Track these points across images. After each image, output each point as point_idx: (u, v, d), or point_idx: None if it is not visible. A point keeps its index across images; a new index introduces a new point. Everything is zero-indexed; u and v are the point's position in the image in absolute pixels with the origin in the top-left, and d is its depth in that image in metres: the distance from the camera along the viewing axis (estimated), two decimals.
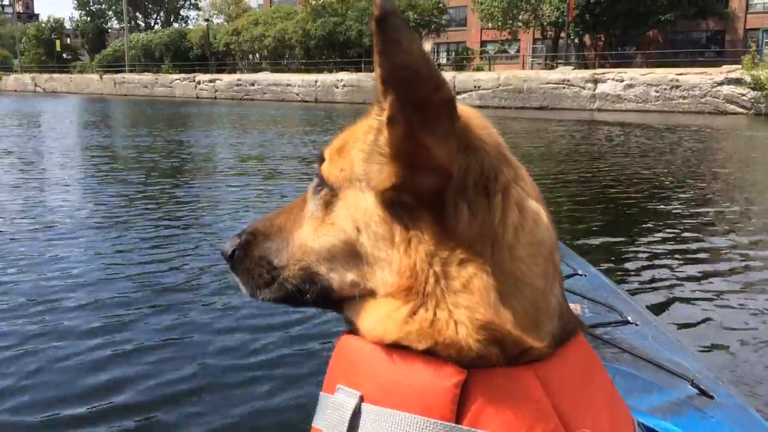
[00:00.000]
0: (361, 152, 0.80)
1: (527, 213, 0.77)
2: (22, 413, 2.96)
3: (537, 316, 0.74)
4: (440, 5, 52.35)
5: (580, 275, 2.63)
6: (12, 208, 7.33)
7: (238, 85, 49.21)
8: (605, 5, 41.15)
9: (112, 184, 9.33)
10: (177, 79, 54.36)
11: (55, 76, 68.80)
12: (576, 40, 47.51)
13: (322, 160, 0.89)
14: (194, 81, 52.67)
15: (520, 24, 46.70)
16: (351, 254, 0.81)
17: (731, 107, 28.74)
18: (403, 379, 0.73)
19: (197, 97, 50.77)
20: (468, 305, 0.72)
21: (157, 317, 4.14)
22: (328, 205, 0.84)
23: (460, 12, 57.31)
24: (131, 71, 63.78)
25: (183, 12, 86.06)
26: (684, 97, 30.06)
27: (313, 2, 55.76)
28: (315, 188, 0.89)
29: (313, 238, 0.86)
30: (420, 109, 0.67)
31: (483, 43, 54.75)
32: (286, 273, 0.88)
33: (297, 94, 44.92)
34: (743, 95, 28.44)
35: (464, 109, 0.76)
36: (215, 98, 49.35)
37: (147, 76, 58.21)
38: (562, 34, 45.40)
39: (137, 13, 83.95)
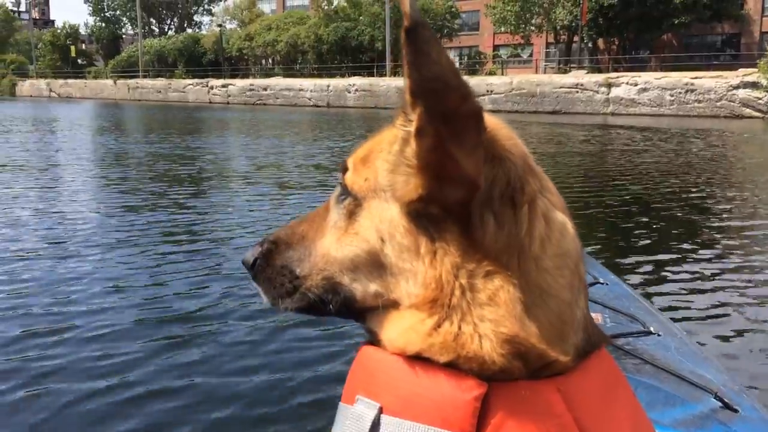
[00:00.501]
0: (386, 162, 0.80)
1: (554, 224, 0.76)
2: None
3: (562, 329, 0.74)
4: (453, 9, 52.32)
5: (602, 284, 2.58)
6: (22, 221, 7.11)
7: (250, 90, 49.37)
8: (619, 9, 40.92)
9: (125, 194, 9.20)
10: (190, 84, 54.66)
11: (70, 81, 69.44)
12: (589, 44, 47.25)
13: (345, 169, 0.88)
14: (207, 86, 52.92)
15: (533, 28, 46.53)
16: (375, 265, 0.81)
17: (747, 111, 28.43)
18: (423, 391, 0.72)
19: (210, 102, 51.01)
20: (494, 318, 0.71)
21: (171, 347, 3.85)
22: (351, 214, 0.84)
23: (473, 16, 57.20)
24: (145, 76, 64.22)
25: (196, 18, 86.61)
26: (699, 101, 29.78)
27: (326, 7, 55.87)
28: (338, 197, 0.87)
29: (336, 247, 0.85)
30: (448, 121, 0.67)
31: (496, 48, 54.63)
32: (308, 283, 0.87)
33: (309, 99, 44.98)
34: (759, 99, 28.11)
35: (490, 119, 0.75)
36: (228, 103, 49.56)
37: (160, 82, 58.56)
38: (576, 38, 45.19)
39: (151, 19, 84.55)
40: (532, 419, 0.70)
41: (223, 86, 51.66)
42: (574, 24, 43.42)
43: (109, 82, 64.29)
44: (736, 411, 1.59)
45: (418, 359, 0.74)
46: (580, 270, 0.78)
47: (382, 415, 0.74)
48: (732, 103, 28.95)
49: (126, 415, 3.07)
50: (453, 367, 0.72)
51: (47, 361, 3.60)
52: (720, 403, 1.61)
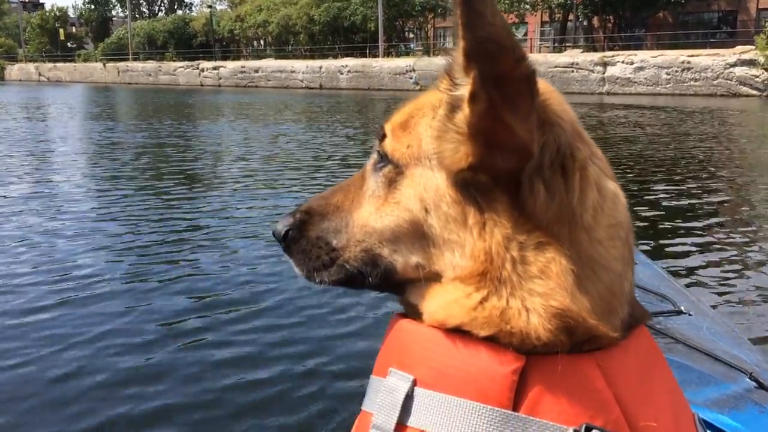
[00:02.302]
0: (430, 128, 0.77)
1: (606, 193, 0.74)
2: None
3: (612, 302, 0.72)
4: None
5: None
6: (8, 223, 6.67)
7: (242, 72, 48.78)
8: None
9: (120, 188, 8.71)
10: (180, 67, 54.02)
11: (59, 65, 68.67)
12: (584, 23, 46.70)
13: (383, 136, 0.84)
14: (198, 69, 52.31)
15: (527, 6, 45.95)
16: (417, 235, 0.78)
17: (744, 89, 28.10)
18: (459, 364, 0.71)
19: (201, 85, 50.45)
20: (544, 292, 0.69)
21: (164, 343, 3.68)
22: (392, 183, 0.81)
23: None
24: (135, 59, 63.46)
25: None
26: (696, 80, 29.44)
27: None
28: (376, 165, 0.84)
29: (375, 218, 0.82)
30: (502, 85, 0.65)
31: None
32: (346, 254, 0.84)
33: (301, 81, 44.45)
34: (756, 77, 27.77)
35: (541, 83, 0.72)
36: (219, 86, 49.01)
37: (150, 64, 57.92)
38: (571, 17, 44.65)
39: (141, 0, 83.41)
40: (570, 394, 0.68)
41: (214, 69, 51.05)
42: (568, 2, 42.86)
43: (99, 65, 63.54)
44: None
45: (455, 332, 0.72)
46: (630, 241, 0.76)
47: (416, 388, 0.72)
48: (729, 81, 28.62)
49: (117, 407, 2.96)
50: (492, 341, 0.70)
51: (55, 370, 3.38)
52: (755, 384, 1.57)
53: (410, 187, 0.78)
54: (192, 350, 3.55)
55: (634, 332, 0.76)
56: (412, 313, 0.80)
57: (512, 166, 0.69)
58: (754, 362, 1.75)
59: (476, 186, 0.72)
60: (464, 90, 0.68)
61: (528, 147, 0.68)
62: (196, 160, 10.89)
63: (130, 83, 56.25)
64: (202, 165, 10.48)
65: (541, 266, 0.69)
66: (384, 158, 0.82)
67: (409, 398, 0.72)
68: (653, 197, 7.83)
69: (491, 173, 0.71)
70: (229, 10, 69.02)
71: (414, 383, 0.72)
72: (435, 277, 0.77)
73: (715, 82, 28.96)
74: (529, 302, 0.69)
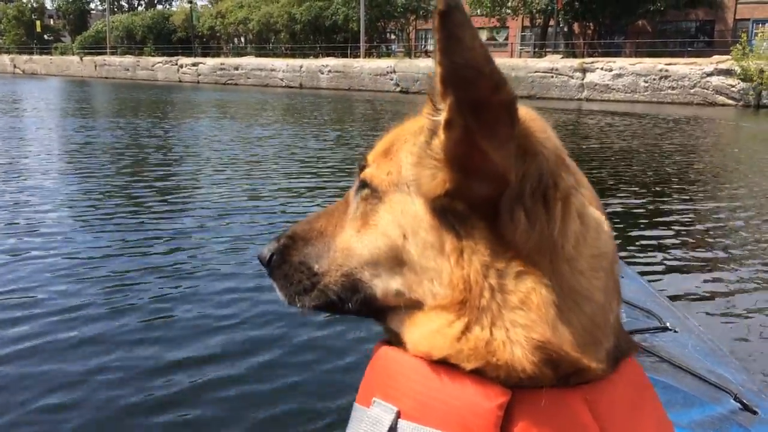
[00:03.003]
0: (411, 155, 0.77)
1: (589, 222, 0.73)
2: None
3: (595, 333, 0.71)
4: None
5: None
6: None
7: (221, 69, 48.34)
8: None
9: (94, 191, 8.45)
10: (159, 63, 53.40)
11: (35, 57, 67.65)
12: (565, 29, 46.97)
13: (363, 166, 0.85)
14: (177, 65, 51.75)
15: (508, 11, 46.08)
16: (396, 261, 0.78)
17: (720, 98, 28.42)
18: (444, 397, 0.70)
19: (180, 81, 49.91)
20: (525, 323, 0.68)
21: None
22: (372, 208, 0.81)
23: None
24: (113, 53, 62.64)
25: None
26: (673, 88, 29.70)
27: None
28: (357, 191, 0.85)
29: (355, 242, 0.82)
30: (479, 112, 0.64)
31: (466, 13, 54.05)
32: (326, 279, 0.85)
33: (281, 80, 44.16)
34: (732, 86, 28.09)
35: (524, 111, 0.71)
36: (198, 82, 48.53)
37: (128, 59, 57.19)
38: (551, 22, 44.85)
39: None
40: (556, 429, 0.67)
41: (194, 65, 50.53)
42: (549, 8, 43.03)
43: (76, 58, 62.63)
44: (755, 413, 1.55)
45: (440, 363, 0.71)
46: (615, 271, 0.75)
47: (399, 420, 0.72)
48: (706, 90, 28.91)
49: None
50: (478, 373, 0.70)
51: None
52: (739, 405, 1.58)
53: (389, 212, 0.78)
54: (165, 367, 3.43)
55: (622, 364, 0.75)
56: (395, 340, 0.79)
57: (489, 194, 0.68)
58: (739, 382, 1.75)
59: (454, 213, 0.71)
60: (443, 115, 0.67)
61: (505, 175, 0.67)
62: (175, 163, 10.52)
63: (107, 78, 55.48)
64: (180, 168, 10.13)
65: (521, 296, 0.68)
66: (365, 185, 0.82)
67: (392, 430, 0.71)
68: (632, 206, 7.81)
69: (468, 200, 0.70)
70: (209, 6, 68.42)
71: (398, 415, 0.71)
72: (416, 305, 0.76)
73: (692, 90, 29.24)
74: (513, 333, 0.68)
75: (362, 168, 0.85)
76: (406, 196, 0.76)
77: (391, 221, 0.77)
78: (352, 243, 0.82)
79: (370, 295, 0.81)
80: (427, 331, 0.73)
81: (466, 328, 0.70)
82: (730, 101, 28.12)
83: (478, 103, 0.63)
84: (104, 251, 5.40)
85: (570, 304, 0.69)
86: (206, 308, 4.26)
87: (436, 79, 0.65)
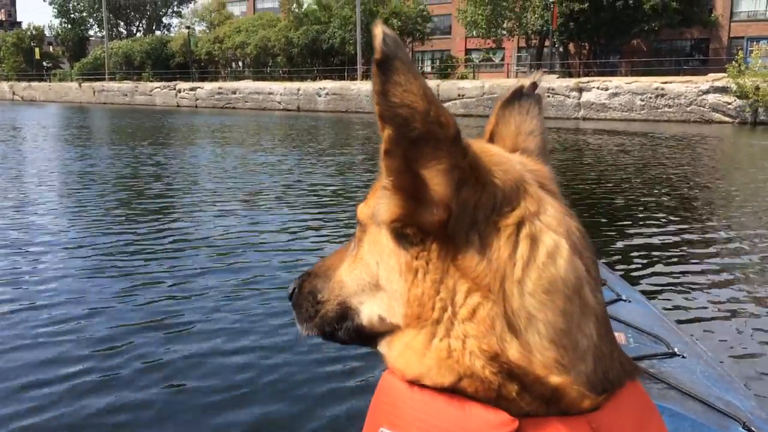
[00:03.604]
0: (382, 188, 0.81)
1: (541, 248, 0.74)
2: None
3: (560, 354, 0.71)
4: (424, 13, 52.03)
5: (624, 300, 2.52)
6: None
7: (219, 93, 48.51)
8: (590, 14, 40.92)
9: (96, 219, 8.48)
10: (157, 88, 53.59)
11: (34, 84, 67.81)
12: (560, 49, 47.26)
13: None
14: (175, 89, 51.93)
15: (504, 32, 46.39)
16: (375, 288, 0.84)
17: (717, 116, 28.49)
18: (451, 427, 0.71)
19: (178, 106, 50.05)
20: (475, 334, 0.71)
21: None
22: (359, 241, 0.88)
23: (445, 20, 56.93)
24: (111, 79, 62.91)
25: (165, 20, 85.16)
26: (669, 106, 29.79)
27: (296, 10, 55.22)
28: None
29: (347, 272, 0.90)
30: (416, 145, 0.69)
31: (467, 51, 54.44)
32: (327, 307, 0.93)
33: (279, 103, 44.30)
34: (729, 104, 28.18)
35: (480, 145, 0.78)
36: (196, 107, 48.67)
37: (127, 84, 57.38)
38: (547, 43, 45.15)
39: (119, 21, 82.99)
40: None
41: (191, 89, 50.71)
42: (545, 28, 43.35)
43: (74, 84, 62.78)
44: None
45: (444, 391, 0.73)
46: (583, 295, 0.75)
47: None
48: (702, 108, 28.99)
49: None
50: (456, 390, 0.72)
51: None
52: None
53: (368, 243, 0.85)
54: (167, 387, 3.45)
55: (626, 390, 0.76)
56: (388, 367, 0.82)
57: (436, 221, 0.72)
58: (748, 409, 1.75)
59: (407, 238, 0.76)
60: (382, 146, 0.72)
61: (446, 203, 0.71)
62: (175, 191, 10.32)
63: (105, 103, 55.63)
64: (181, 195, 10.01)
65: (470, 309, 0.71)
66: (358, 221, 0.89)
67: None
68: (639, 227, 7.75)
69: (418, 225, 0.74)
70: (207, 31, 68.89)
71: None
72: (395, 328, 0.80)
73: (688, 108, 29.32)
74: (467, 343, 0.71)
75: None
76: (376, 227, 0.82)
77: (368, 251, 0.84)
78: (345, 274, 0.90)
79: (358, 323, 0.87)
80: (400, 348, 0.77)
81: (427, 340, 0.74)
82: (727, 118, 28.19)
83: (414, 138, 0.68)
84: (103, 286, 5.30)
85: (524, 324, 0.71)
86: (210, 339, 4.21)
87: (376, 115, 0.69)
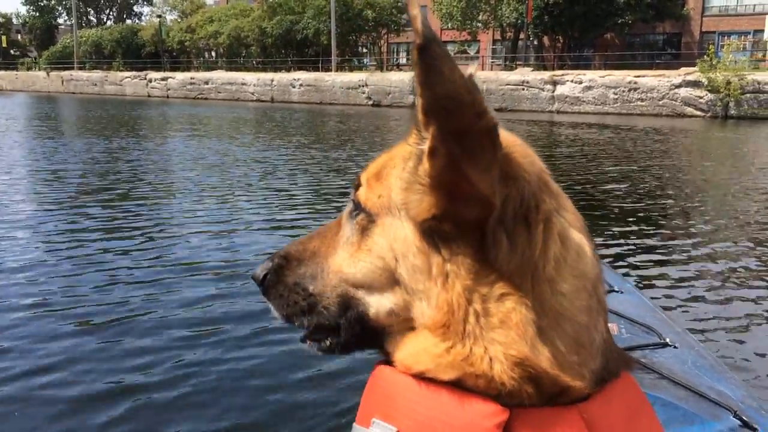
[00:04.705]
0: (400, 179, 0.79)
1: (570, 244, 0.74)
2: None
3: (579, 353, 0.72)
4: (399, 4, 51.67)
5: (617, 292, 2.52)
6: None
7: (191, 83, 47.78)
8: (564, 7, 40.99)
9: (58, 214, 8.18)
10: (128, 77, 52.66)
11: (0, 73, 66.27)
12: (535, 42, 47.33)
13: (358, 185, 0.87)
14: (145, 79, 51.06)
15: (479, 24, 46.32)
16: (389, 282, 0.80)
17: (689, 110, 28.70)
18: (443, 416, 0.71)
19: (149, 96, 49.23)
20: (504, 341, 0.70)
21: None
22: (364, 231, 0.83)
23: (420, 12, 56.56)
24: (80, 68, 61.68)
25: (136, 8, 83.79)
26: (642, 100, 29.94)
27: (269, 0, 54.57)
28: (351, 213, 0.87)
29: (349, 263, 0.84)
30: (462, 140, 0.65)
31: (443, 43, 54.30)
32: (324, 301, 0.87)
33: (252, 93, 43.76)
34: (701, 98, 28.40)
35: (506, 136, 0.74)
36: (167, 97, 47.89)
37: (96, 74, 56.31)
38: (522, 36, 45.18)
39: (88, 9, 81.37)
40: None
41: (163, 79, 49.89)
42: (519, 21, 43.33)
43: (42, 74, 61.46)
44: (755, 430, 1.56)
45: (432, 381, 0.73)
46: (599, 292, 0.76)
47: None
48: (674, 102, 29.18)
49: None
50: (459, 385, 0.71)
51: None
52: (739, 422, 1.58)
53: (381, 236, 0.80)
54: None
55: (618, 382, 0.76)
56: (389, 360, 0.80)
57: (474, 218, 0.70)
58: (739, 398, 1.76)
59: (441, 235, 0.73)
60: (427, 144, 0.69)
61: (489, 199, 0.68)
62: (147, 186, 9.92)
63: (74, 93, 54.48)
64: (153, 190, 9.62)
65: (501, 316, 0.70)
66: (358, 207, 0.84)
67: None
68: (626, 219, 7.67)
69: (455, 223, 0.72)
70: (179, 20, 67.82)
71: None
72: (408, 324, 0.78)
73: (660, 102, 29.50)
74: (492, 350, 0.70)
75: (356, 187, 0.86)
76: (397, 220, 0.78)
77: (384, 244, 0.79)
78: (346, 265, 0.84)
79: (363, 315, 0.82)
80: (413, 350, 0.75)
81: (448, 348, 0.72)
82: (699, 112, 28.42)
83: (461, 131, 0.65)
84: (72, 280, 5.11)
85: (551, 324, 0.70)
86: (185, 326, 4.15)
87: (419, 111, 0.67)
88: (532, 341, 0.69)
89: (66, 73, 58.46)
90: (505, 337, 0.69)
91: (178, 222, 7.29)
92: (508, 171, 0.71)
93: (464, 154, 0.66)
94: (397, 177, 0.78)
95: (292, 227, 7.12)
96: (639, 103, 30.02)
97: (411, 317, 0.77)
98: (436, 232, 0.73)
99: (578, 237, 0.75)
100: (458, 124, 0.64)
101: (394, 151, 0.84)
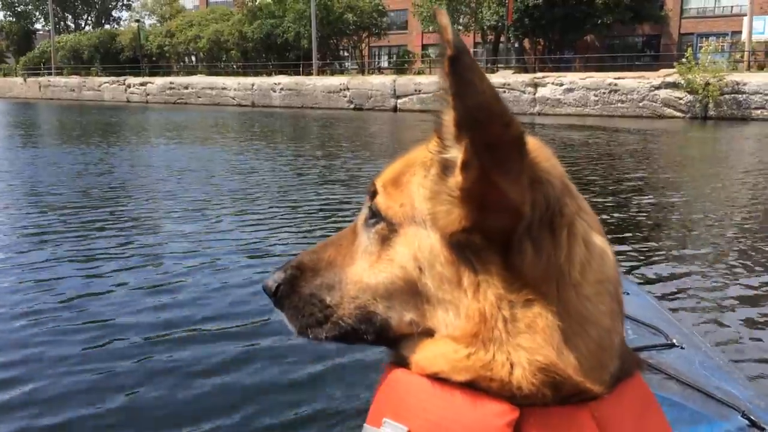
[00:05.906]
0: (422, 188, 0.77)
1: (594, 248, 0.74)
2: None
3: (601, 357, 0.72)
4: (380, 8, 51.67)
5: (623, 293, 2.08)
6: None
7: (170, 88, 47.38)
8: (543, 9, 41.15)
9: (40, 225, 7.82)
10: (106, 83, 52.15)
11: None
12: (516, 45, 47.46)
13: (373, 192, 0.85)
14: (124, 84, 50.57)
15: (460, 27, 46.33)
16: (411, 293, 0.78)
17: (669, 111, 28.87)
18: (454, 416, 0.71)
19: (127, 101, 48.76)
20: (530, 346, 0.70)
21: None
22: (385, 240, 0.81)
23: (401, 15, 56.65)
24: (58, 74, 60.97)
25: (114, 13, 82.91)
26: (622, 101, 30.09)
27: (250, 4, 54.26)
28: (367, 221, 0.84)
29: (369, 274, 0.82)
30: (493, 150, 0.65)
31: (424, 47, 54.23)
32: (341, 311, 0.84)
33: (233, 98, 43.47)
34: (680, 99, 28.57)
35: (529, 141, 0.73)
36: (147, 102, 47.47)
37: (74, 79, 55.70)
38: (503, 39, 45.29)
39: (66, 14, 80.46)
40: None
41: (142, 84, 49.44)
42: (500, 24, 43.44)
43: (19, 80, 60.73)
44: (763, 429, 1.56)
45: (445, 382, 0.73)
46: (620, 295, 0.76)
47: None
48: (654, 103, 29.35)
49: None
50: (472, 387, 0.71)
51: None
52: (747, 422, 1.57)
53: (404, 245, 0.78)
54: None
55: (628, 382, 0.75)
56: (402, 362, 0.79)
57: (505, 226, 0.70)
58: (747, 398, 1.74)
59: (471, 247, 0.72)
60: (454, 153, 0.69)
61: (519, 208, 0.68)
62: (127, 197, 9.58)
63: (52, 99, 53.81)
64: (134, 200, 9.36)
65: (528, 321, 0.70)
66: (377, 215, 0.82)
67: None
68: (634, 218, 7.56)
69: (484, 233, 0.71)
70: (158, 25, 67.26)
71: None
72: (427, 332, 0.77)
73: (641, 103, 29.65)
74: (514, 356, 0.69)
75: (372, 194, 0.83)
76: (422, 230, 0.76)
77: (407, 254, 0.77)
78: (367, 275, 0.81)
79: (385, 325, 0.81)
80: (431, 354, 0.74)
81: (469, 354, 0.71)
82: (678, 113, 28.59)
83: (492, 142, 0.64)
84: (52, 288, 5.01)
85: (576, 329, 0.70)
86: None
87: (449, 122, 0.67)
88: (558, 347, 0.68)
89: (43, 79, 57.83)
90: (531, 342, 0.69)
91: (167, 221, 7.18)
92: (533, 176, 0.70)
93: (495, 165, 0.65)
94: (419, 185, 0.77)
95: (282, 230, 7.02)
96: (619, 104, 30.16)
97: (432, 326, 0.76)
98: (465, 244, 0.72)
99: (600, 240, 0.74)
100: (490, 135, 0.63)
101: (411, 156, 0.82)
